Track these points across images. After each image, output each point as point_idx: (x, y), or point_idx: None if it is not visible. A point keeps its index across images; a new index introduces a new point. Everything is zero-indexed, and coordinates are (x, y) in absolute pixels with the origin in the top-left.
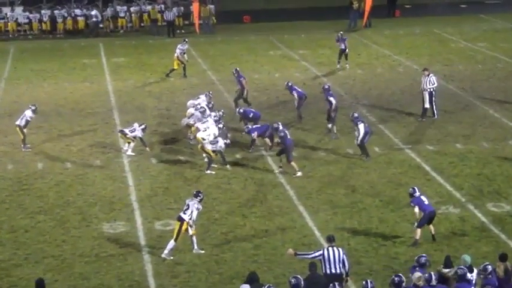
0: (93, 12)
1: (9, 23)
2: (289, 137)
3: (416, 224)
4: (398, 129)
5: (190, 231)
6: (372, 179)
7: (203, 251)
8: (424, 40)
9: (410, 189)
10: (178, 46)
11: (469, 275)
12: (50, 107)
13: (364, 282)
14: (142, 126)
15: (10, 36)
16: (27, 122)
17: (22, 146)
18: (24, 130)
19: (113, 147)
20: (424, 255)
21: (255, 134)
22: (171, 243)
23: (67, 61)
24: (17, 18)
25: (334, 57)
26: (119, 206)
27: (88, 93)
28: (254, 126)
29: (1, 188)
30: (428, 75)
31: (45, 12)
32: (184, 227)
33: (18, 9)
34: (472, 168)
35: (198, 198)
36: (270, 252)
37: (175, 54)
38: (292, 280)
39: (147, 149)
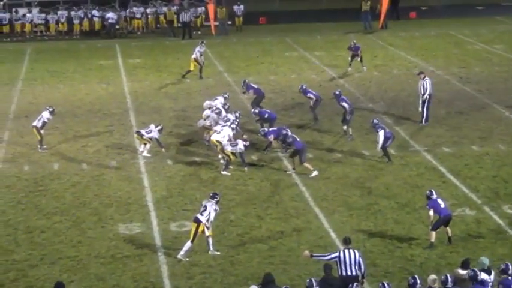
0: (109, 14)
1: (26, 24)
2: (298, 140)
3: (431, 226)
4: (414, 131)
5: (207, 233)
6: (388, 180)
7: (219, 253)
8: (440, 42)
9: (428, 191)
10: (197, 48)
11: (486, 277)
12: (66, 108)
13: (380, 284)
14: (159, 127)
15: (27, 37)
16: (44, 123)
17: (39, 147)
18: (41, 131)
19: (129, 148)
20: None
21: (271, 137)
22: (188, 245)
23: (83, 62)
24: (31, 20)
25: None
26: (134, 207)
27: (104, 94)
28: (270, 129)
29: (17, 189)
30: (423, 78)
31: (62, 13)
32: (200, 228)
33: (35, 10)
34: (488, 170)
35: (215, 199)
36: (285, 253)
37: (193, 56)
38: (307, 281)
39: (163, 150)
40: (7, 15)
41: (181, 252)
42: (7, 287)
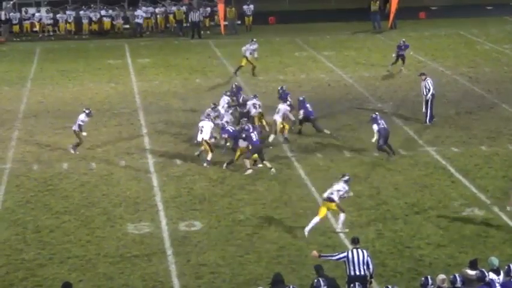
0: (137, 12)
1: (35, 23)
2: (255, 139)
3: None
4: (423, 130)
5: (340, 211)
6: (397, 180)
7: (347, 230)
8: (450, 42)
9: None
10: (247, 46)
11: (495, 277)
12: (75, 107)
13: (423, 279)
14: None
15: (39, 36)
16: (79, 125)
17: (72, 147)
18: (83, 134)
19: (138, 147)
20: None
21: (225, 135)
22: (315, 220)
23: (92, 62)
24: (40, 19)
25: (359, 58)
26: (143, 206)
27: (113, 93)
28: (228, 129)
29: (27, 188)
30: (424, 79)
31: (71, 13)
32: (332, 206)
33: (44, 10)
34: (497, 170)
35: (345, 178)
36: (294, 253)
37: (244, 54)
38: (314, 281)
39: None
40: (17, 15)
41: (308, 227)
42: (16, 286)
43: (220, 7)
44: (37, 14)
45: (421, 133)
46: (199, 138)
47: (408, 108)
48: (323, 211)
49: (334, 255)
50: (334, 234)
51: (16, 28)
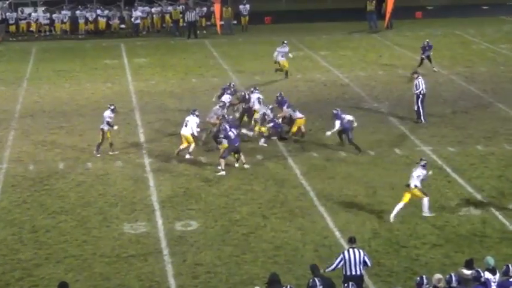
0: (135, 14)
1: (32, 23)
2: (233, 137)
3: None
4: (419, 130)
5: (423, 196)
6: (393, 180)
7: (433, 214)
8: (446, 42)
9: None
10: (277, 49)
11: (491, 277)
12: (71, 107)
13: (418, 278)
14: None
15: (36, 36)
16: (107, 122)
17: (95, 148)
18: (114, 128)
19: (134, 147)
20: None
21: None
22: (400, 205)
23: (89, 61)
24: (37, 19)
25: (355, 58)
26: (139, 206)
27: (109, 93)
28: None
29: (23, 188)
30: (416, 78)
31: (67, 13)
32: (414, 193)
33: (40, 10)
34: (493, 170)
35: (422, 163)
36: (290, 253)
37: (277, 59)
38: (310, 281)
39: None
40: (13, 15)
41: (393, 214)
42: (12, 286)
43: (217, 7)
44: (33, 14)
45: (417, 133)
46: (182, 131)
47: (404, 108)
48: (406, 196)
49: (334, 264)
50: (330, 234)
51: (12, 28)
